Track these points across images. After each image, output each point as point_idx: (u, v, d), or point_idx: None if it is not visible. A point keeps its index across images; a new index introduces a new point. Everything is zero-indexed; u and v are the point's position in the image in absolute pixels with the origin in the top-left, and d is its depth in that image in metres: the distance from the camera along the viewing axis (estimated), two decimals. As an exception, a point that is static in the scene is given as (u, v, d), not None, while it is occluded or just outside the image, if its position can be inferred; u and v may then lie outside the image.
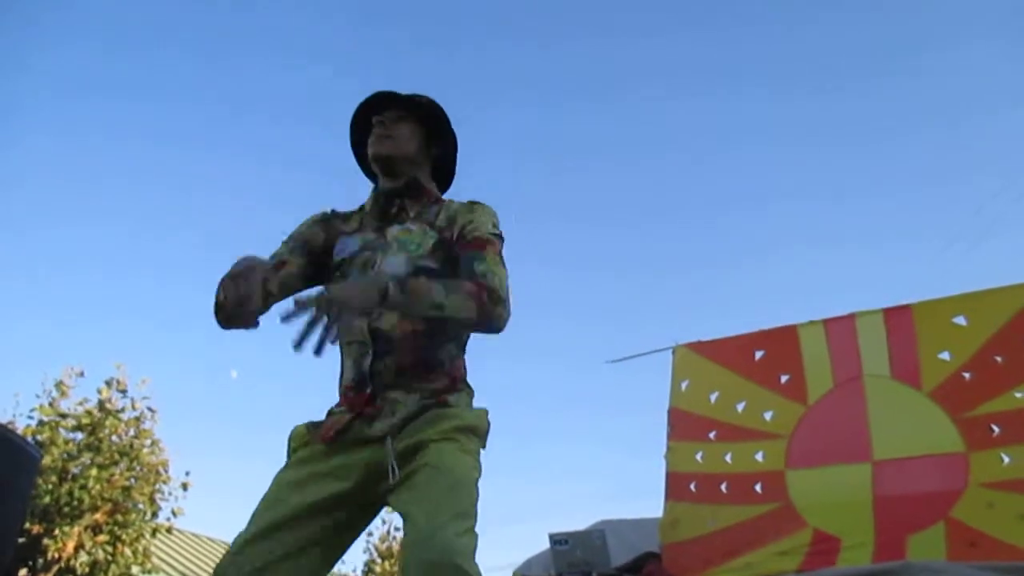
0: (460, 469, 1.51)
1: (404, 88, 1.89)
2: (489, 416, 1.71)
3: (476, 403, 1.76)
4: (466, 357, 1.80)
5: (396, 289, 1.48)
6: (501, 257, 1.71)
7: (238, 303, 1.35)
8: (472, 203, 1.84)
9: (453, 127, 1.94)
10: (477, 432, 1.64)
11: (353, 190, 2.01)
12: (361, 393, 1.66)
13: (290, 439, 1.70)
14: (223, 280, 1.49)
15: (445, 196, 1.95)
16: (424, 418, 1.59)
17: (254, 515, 1.54)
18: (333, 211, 1.92)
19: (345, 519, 1.60)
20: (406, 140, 1.84)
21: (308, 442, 1.66)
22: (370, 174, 1.97)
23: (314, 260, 1.82)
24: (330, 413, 1.70)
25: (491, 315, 1.58)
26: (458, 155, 2.00)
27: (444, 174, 2.00)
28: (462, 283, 1.58)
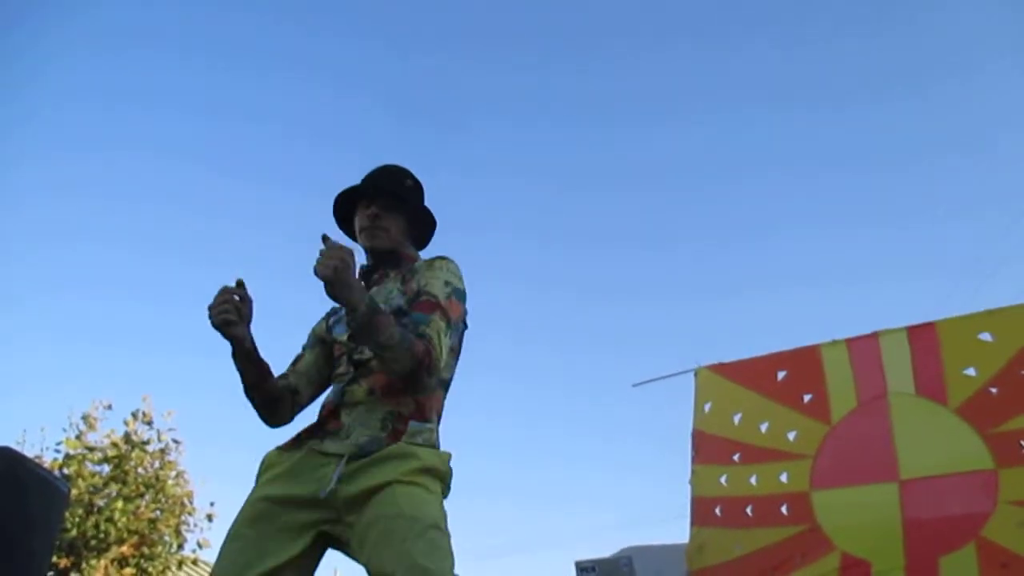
0: (425, 514, 1.52)
1: (380, 157, 2.00)
2: (450, 462, 1.72)
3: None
4: (446, 398, 1.83)
5: (370, 309, 1.54)
6: (447, 321, 1.74)
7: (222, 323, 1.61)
8: (433, 261, 1.89)
9: (427, 204, 2.01)
10: (438, 475, 1.65)
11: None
12: (328, 410, 1.76)
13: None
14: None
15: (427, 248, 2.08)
16: (383, 454, 1.60)
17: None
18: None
19: (295, 527, 1.61)
20: (397, 230, 1.94)
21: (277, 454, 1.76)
22: (351, 236, 2.04)
23: (327, 348, 1.92)
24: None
25: (420, 380, 1.66)
26: (435, 224, 2.06)
27: (424, 230, 2.07)
28: (416, 342, 1.63)
